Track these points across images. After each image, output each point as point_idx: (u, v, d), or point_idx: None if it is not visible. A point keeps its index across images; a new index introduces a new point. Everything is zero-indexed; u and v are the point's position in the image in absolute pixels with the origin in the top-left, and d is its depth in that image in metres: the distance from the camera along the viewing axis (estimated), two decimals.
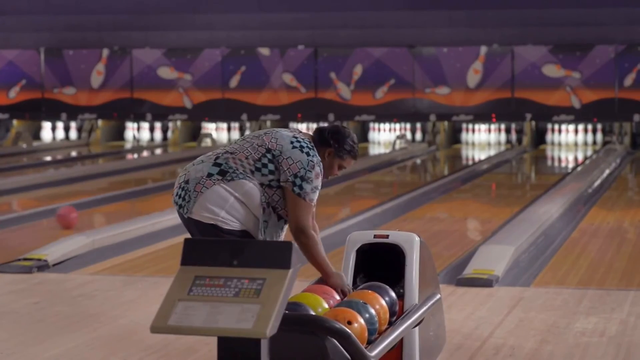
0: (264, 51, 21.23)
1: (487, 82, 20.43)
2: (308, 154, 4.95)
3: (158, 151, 21.32)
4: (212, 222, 4.87)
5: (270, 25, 21.52)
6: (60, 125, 22.97)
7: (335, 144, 5.07)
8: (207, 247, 4.06)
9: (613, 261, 8.79)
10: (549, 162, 19.29)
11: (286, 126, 21.91)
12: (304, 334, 4.32)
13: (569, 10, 20.43)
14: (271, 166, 4.93)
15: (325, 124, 21.50)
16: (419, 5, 21.07)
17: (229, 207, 4.88)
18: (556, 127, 20.95)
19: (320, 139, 5.08)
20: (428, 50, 20.64)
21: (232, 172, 4.91)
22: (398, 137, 21.03)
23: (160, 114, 21.88)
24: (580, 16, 20.39)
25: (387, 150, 20.41)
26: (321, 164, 5.00)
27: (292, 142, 4.96)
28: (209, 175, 4.91)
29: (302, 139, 5.00)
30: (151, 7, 22.05)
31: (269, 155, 4.93)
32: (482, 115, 20.60)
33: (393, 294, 5.01)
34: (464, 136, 21.51)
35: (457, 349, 5.91)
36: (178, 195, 4.99)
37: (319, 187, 4.99)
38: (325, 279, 5.02)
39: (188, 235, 5.03)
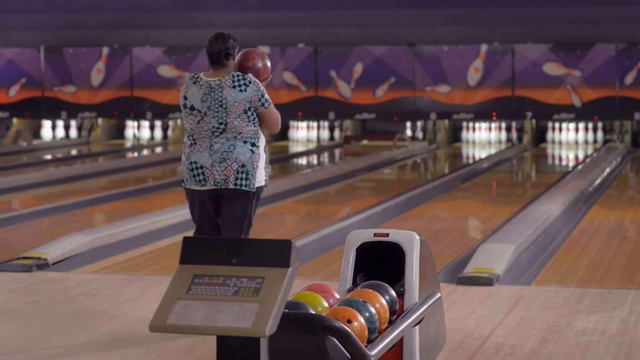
0: (264, 49, 21.21)
1: (487, 81, 20.41)
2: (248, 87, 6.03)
3: (158, 150, 21.30)
4: (263, 184, 6.07)
5: (270, 24, 21.50)
6: (60, 123, 22.94)
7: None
8: (206, 246, 4.04)
9: (614, 260, 8.77)
10: (550, 161, 19.28)
11: (288, 127, 21.92)
12: (304, 333, 4.30)
13: (570, 8, 20.41)
14: (253, 114, 6.00)
15: (326, 123, 21.69)
16: (419, 3, 21.05)
17: (264, 161, 6.10)
18: (557, 125, 20.93)
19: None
20: (428, 49, 20.62)
21: (254, 138, 6.00)
22: (397, 135, 21.02)
23: (161, 112, 21.87)
24: (581, 14, 20.37)
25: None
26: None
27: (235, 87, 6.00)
28: (252, 151, 5.95)
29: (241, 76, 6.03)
30: (151, 5, 22.03)
31: (248, 113, 5.97)
32: (482, 113, 20.58)
33: (393, 293, 5.00)
34: (464, 134, 21.49)
35: (458, 348, 5.90)
36: (240, 178, 5.88)
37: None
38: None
39: (187, 234, 5.03)
